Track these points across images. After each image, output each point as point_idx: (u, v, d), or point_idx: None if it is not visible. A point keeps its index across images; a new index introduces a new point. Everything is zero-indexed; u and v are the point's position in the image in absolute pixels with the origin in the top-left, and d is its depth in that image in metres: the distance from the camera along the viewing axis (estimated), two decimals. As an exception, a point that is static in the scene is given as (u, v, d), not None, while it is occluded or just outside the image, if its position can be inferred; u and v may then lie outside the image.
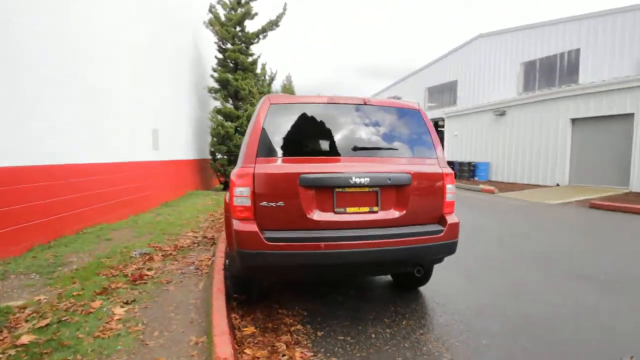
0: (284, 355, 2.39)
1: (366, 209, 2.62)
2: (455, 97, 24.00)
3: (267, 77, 18.51)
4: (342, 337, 2.68)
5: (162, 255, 4.49)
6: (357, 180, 2.54)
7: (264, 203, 2.46)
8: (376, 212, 2.64)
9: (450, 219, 2.81)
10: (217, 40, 11.12)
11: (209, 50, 11.55)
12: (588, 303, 3.29)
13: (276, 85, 25.37)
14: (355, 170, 2.59)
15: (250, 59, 11.22)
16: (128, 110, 6.79)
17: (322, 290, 3.60)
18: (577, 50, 16.47)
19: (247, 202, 2.46)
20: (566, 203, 9.75)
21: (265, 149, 2.57)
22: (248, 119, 10.94)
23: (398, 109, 2.90)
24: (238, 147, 10.80)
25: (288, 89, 33.72)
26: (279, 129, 2.64)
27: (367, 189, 2.62)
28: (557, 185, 13.55)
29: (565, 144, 13.36)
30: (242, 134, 11.02)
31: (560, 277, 3.97)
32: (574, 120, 13.20)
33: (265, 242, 2.39)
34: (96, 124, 5.77)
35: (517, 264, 4.51)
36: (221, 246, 4.63)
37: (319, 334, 2.73)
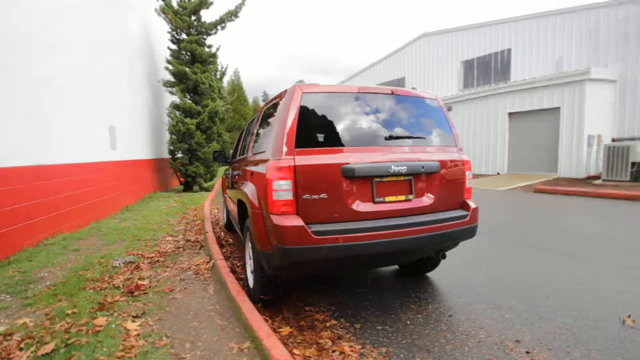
0: (334, 352, 2.32)
1: (402, 197, 2.63)
2: (402, 93, 25.09)
3: (218, 72, 17.62)
4: (380, 327, 2.68)
5: (149, 263, 4.09)
6: (396, 169, 2.54)
7: (307, 196, 2.35)
8: (411, 200, 2.67)
9: (472, 203, 2.95)
10: (170, 30, 10.29)
11: (162, 40, 10.66)
12: (588, 275, 3.68)
13: (224, 80, 24.30)
14: (393, 159, 2.58)
15: (207, 51, 10.57)
16: (79, 103, 6.01)
17: (338, 283, 3.56)
18: (509, 50, 18.24)
19: (289, 196, 2.33)
20: (513, 189, 10.81)
21: (301, 140, 2.45)
22: (210, 115, 10.32)
23: (421, 99, 2.95)
24: (200, 144, 10.17)
25: (236, 84, 32.55)
26: (313, 118, 2.53)
27: (402, 178, 2.63)
28: (498, 174, 14.93)
29: (504, 136, 14.76)
30: (204, 130, 10.39)
31: (552, 254, 4.39)
32: (510, 114, 14.63)
33: (313, 236, 2.28)
34: (40, 118, 5.02)
35: (505, 245, 4.89)
36: (214, 248, 4.34)
37: (357, 326, 2.70)
